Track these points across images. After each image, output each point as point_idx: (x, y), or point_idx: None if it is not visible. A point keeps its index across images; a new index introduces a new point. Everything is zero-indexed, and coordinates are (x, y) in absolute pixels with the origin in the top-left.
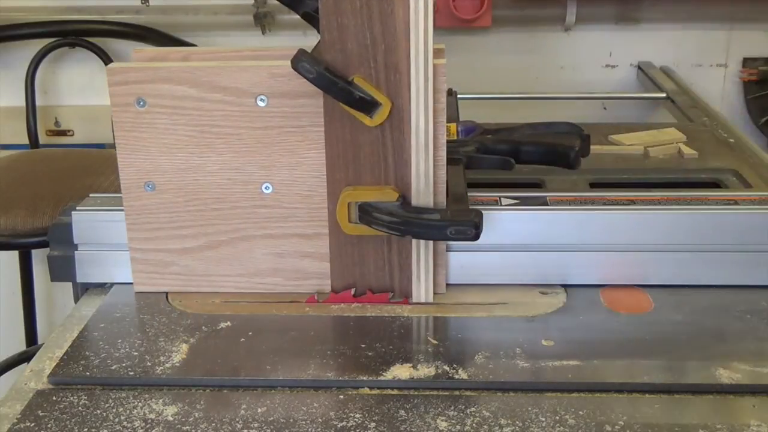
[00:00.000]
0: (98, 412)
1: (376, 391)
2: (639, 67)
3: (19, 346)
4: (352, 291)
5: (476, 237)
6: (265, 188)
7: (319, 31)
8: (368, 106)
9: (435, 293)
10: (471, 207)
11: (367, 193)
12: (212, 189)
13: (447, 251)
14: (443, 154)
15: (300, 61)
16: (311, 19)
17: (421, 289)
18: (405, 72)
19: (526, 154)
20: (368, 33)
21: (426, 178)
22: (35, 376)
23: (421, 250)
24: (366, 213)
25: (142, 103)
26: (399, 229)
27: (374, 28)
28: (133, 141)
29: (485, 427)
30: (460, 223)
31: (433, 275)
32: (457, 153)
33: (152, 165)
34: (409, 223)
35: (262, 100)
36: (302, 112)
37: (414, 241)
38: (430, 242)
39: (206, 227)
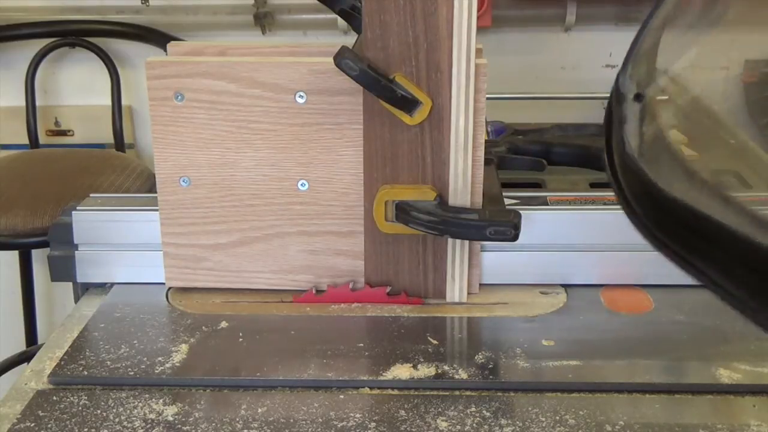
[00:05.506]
0: (98, 412)
1: (376, 391)
2: None
3: (19, 346)
4: (387, 289)
5: (515, 238)
6: (301, 185)
7: (354, 29)
8: (409, 104)
9: (468, 293)
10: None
11: (404, 191)
12: (248, 185)
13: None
14: (481, 154)
15: (343, 57)
16: (347, 16)
17: (455, 289)
18: (446, 71)
19: (557, 155)
20: (411, 31)
21: (464, 178)
22: (35, 376)
23: (457, 250)
24: (403, 212)
25: (180, 97)
26: (438, 229)
27: (417, 26)
28: (170, 135)
29: (485, 427)
30: (499, 224)
31: (467, 275)
32: (489, 153)
33: (188, 160)
34: (448, 222)
35: (300, 96)
36: (341, 109)
37: (449, 240)
38: (466, 242)
39: (240, 223)
